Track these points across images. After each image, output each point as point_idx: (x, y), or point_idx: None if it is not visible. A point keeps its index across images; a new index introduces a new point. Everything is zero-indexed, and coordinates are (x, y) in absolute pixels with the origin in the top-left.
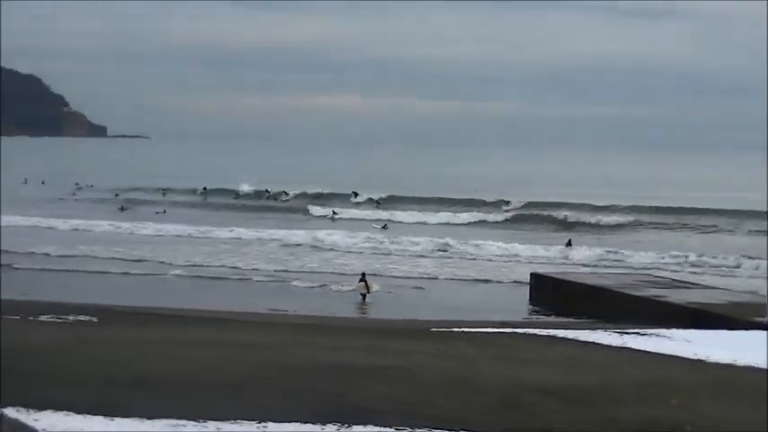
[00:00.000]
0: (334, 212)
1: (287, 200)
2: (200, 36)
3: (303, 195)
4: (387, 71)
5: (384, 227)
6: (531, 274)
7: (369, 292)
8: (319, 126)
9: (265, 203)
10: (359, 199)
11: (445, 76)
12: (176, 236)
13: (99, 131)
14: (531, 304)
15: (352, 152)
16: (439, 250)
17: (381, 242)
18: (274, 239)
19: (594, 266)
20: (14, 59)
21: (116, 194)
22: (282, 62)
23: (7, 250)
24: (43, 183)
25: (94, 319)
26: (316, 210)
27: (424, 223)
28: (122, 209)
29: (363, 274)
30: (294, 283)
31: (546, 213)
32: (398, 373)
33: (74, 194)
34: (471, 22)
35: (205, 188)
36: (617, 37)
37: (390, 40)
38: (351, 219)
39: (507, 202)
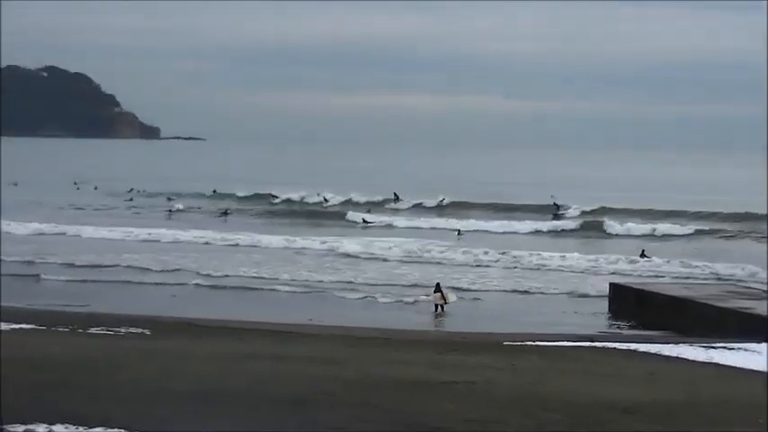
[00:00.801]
0: (364, 220)
1: (327, 206)
2: (262, 32)
3: (350, 202)
4: (459, 68)
5: (459, 233)
6: (610, 284)
7: (446, 303)
8: (389, 126)
9: (313, 209)
10: (401, 205)
11: (521, 73)
12: (227, 245)
13: (152, 133)
14: (609, 316)
15: (418, 154)
16: (505, 259)
17: (442, 251)
18: (330, 248)
19: (674, 277)
20: (60, 57)
21: (168, 198)
22: (351, 60)
23: (57, 261)
24: (96, 188)
25: (147, 332)
26: (369, 216)
27: (489, 231)
28: (170, 212)
29: (438, 285)
30: (356, 294)
31: (617, 220)
32: (466, 389)
33: (130, 199)
34: (547, 17)
35: (273, 196)
36: (702, 29)
37: (463, 36)
38: (397, 226)
39: (573, 209)
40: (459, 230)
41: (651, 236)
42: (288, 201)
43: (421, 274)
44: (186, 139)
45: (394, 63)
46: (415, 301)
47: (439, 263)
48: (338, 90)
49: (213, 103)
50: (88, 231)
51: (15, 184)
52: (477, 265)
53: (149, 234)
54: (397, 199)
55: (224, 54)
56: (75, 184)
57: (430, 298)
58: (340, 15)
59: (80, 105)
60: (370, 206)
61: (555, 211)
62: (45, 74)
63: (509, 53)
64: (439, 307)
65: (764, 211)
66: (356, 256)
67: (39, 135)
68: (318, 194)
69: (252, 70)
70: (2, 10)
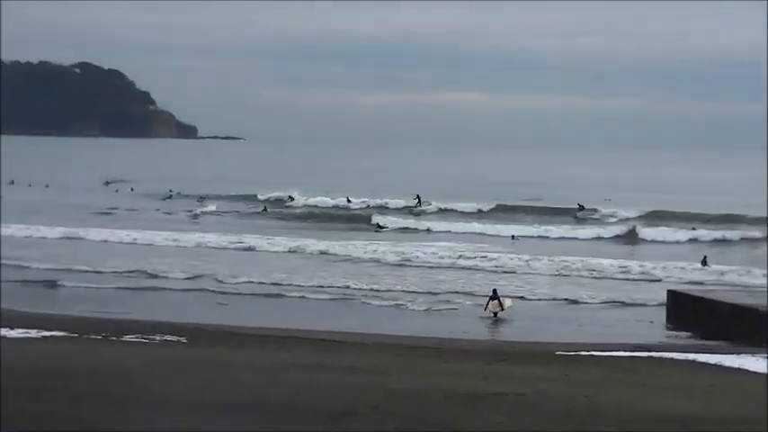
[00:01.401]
0: (378, 225)
1: (354, 210)
2: (305, 27)
3: (382, 207)
4: (516, 65)
5: (513, 238)
6: (669, 291)
7: (502, 309)
8: (443, 126)
9: (337, 213)
10: (425, 208)
11: (581, 71)
12: (268, 250)
13: (188, 132)
14: (667, 325)
15: (459, 154)
16: (554, 265)
17: (487, 256)
18: (368, 253)
19: (734, 284)
20: (90, 52)
21: (200, 198)
22: (404, 55)
23: (82, 269)
24: (132, 189)
25: (183, 340)
26: (383, 221)
27: (535, 236)
28: (195, 216)
29: (494, 291)
30: (401, 302)
31: (675, 225)
32: (516, 401)
33: (169, 197)
34: (609, 12)
35: (291, 198)
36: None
37: (524, 32)
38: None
39: (624, 217)
40: (513, 236)
41: (713, 241)
42: (308, 205)
43: (468, 280)
44: (224, 138)
45: (438, 60)
46: (459, 308)
47: (478, 269)
48: (381, 88)
49: (252, 102)
50: (120, 235)
51: (47, 186)
52: (527, 273)
53: (179, 239)
54: (419, 203)
55: (260, 51)
56: (108, 183)
57: (487, 306)
58: (381, 13)
59: (114, 103)
60: (392, 210)
61: (577, 213)
62: (77, 70)
63: (563, 50)
64: (496, 314)
65: None
66: (403, 263)
67: (70, 134)
68: (344, 198)
69: (290, 67)
70: (33, 5)
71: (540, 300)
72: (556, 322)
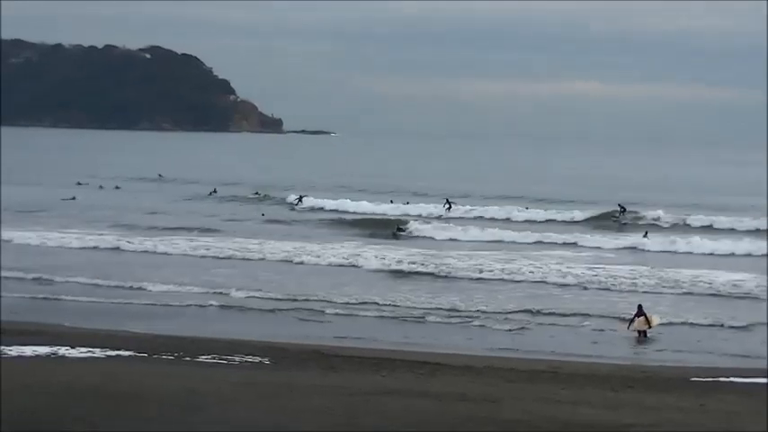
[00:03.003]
0: (398, 228)
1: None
2: (406, 11)
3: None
4: (639, 51)
5: (645, 235)
6: None
7: (650, 327)
8: (554, 119)
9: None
10: (454, 212)
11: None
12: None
13: (273, 125)
14: None
15: (583, 153)
16: (682, 280)
17: (600, 271)
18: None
19: None
20: (162, 35)
21: (298, 198)
22: (516, 40)
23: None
24: (215, 191)
25: (266, 361)
26: (403, 225)
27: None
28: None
29: (640, 307)
30: (512, 319)
31: None
32: None
33: (297, 202)
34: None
35: (300, 199)
36: None
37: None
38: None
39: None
40: (646, 232)
41: None
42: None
43: (586, 297)
44: (313, 133)
45: (558, 45)
46: (572, 327)
47: (586, 285)
48: (490, 77)
49: (344, 92)
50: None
51: (117, 188)
52: (655, 292)
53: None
54: (449, 206)
55: (355, 35)
56: (161, 176)
57: (631, 324)
58: None
59: (190, 92)
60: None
61: (616, 217)
62: (148, 55)
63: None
64: (643, 333)
65: None
66: (483, 277)
67: (140, 128)
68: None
69: (384, 54)
70: None
71: (671, 321)
72: (689, 343)
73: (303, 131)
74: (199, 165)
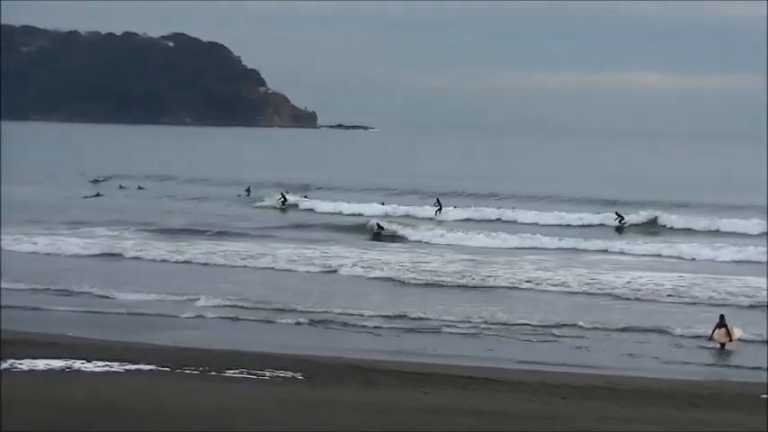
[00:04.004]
0: (378, 226)
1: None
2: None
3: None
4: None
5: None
6: None
7: (731, 340)
8: (606, 113)
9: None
10: (445, 216)
11: None
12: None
13: (307, 120)
14: None
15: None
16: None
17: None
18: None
19: None
20: (186, 21)
21: (281, 197)
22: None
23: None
24: (248, 193)
25: (299, 376)
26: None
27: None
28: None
29: (722, 318)
30: (566, 332)
31: None
32: None
33: (304, 195)
34: None
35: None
36: None
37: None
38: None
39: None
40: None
41: None
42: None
43: (639, 307)
44: (350, 128)
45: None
46: (621, 340)
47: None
48: (548, 66)
49: (383, 84)
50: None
51: (140, 188)
52: (716, 304)
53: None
54: (439, 208)
55: (393, 24)
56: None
57: (712, 335)
58: None
59: (217, 84)
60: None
61: (618, 224)
62: (171, 43)
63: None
64: (723, 345)
65: None
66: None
67: (159, 122)
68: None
69: (430, 42)
70: None
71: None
72: (756, 357)
73: (339, 126)
74: (230, 162)
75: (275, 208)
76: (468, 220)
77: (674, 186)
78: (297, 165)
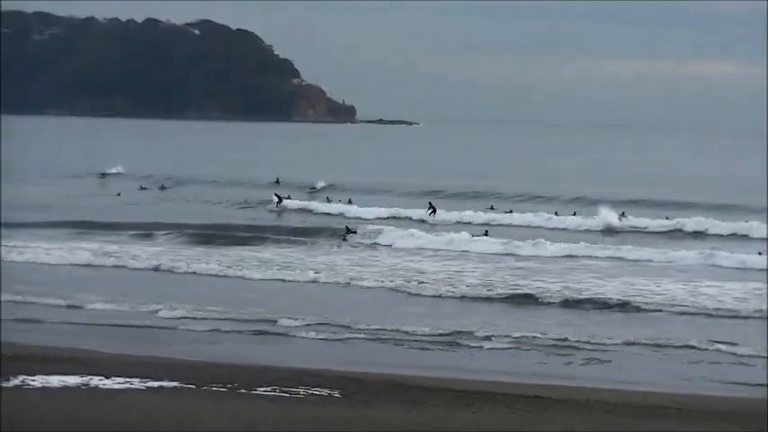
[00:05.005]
0: (348, 230)
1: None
2: None
3: None
4: None
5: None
6: None
7: None
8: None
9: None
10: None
11: None
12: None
13: (345, 114)
14: None
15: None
16: None
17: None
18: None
19: None
20: (213, 6)
21: (277, 198)
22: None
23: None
24: (287, 196)
25: (336, 394)
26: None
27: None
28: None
29: None
30: (596, 341)
31: None
32: None
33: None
34: None
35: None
36: None
37: None
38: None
39: None
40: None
41: None
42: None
43: (701, 320)
44: (391, 122)
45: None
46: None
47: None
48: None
49: (431, 75)
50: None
51: (162, 188)
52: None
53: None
54: (433, 211)
55: (437, 10)
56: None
57: None
58: None
59: (247, 75)
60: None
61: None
62: (196, 31)
63: None
64: None
65: None
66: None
67: (185, 117)
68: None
69: (480, 30)
70: None
71: None
72: None
73: (380, 121)
74: (262, 161)
75: (270, 211)
76: (458, 222)
77: None
78: (328, 163)
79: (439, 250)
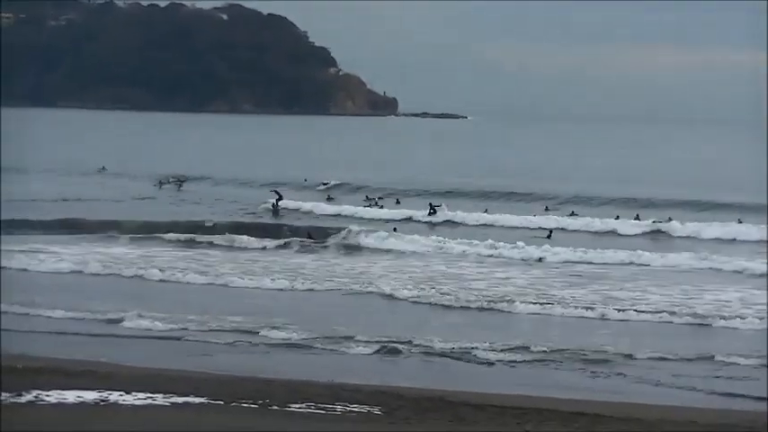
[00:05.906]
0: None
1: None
2: None
3: None
4: None
5: None
6: None
7: None
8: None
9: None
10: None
11: None
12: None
13: (386, 106)
14: None
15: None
16: None
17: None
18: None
19: None
20: None
21: (275, 199)
22: None
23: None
24: (330, 197)
25: (376, 411)
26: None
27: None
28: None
29: None
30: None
31: None
32: None
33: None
34: None
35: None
36: None
37: None
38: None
39: None
40: None
41: None
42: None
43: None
44: (437, 116)
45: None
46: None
47: None
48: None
49: (482, 65)
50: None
51: (180, 187)
52: None
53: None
54: (433, 211)
55: None
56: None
57: None
58: None
59: (280, 64)
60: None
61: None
62: (224, 16)
63: None
64: None
65: None
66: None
67: (211, 110)
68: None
69: (539, 16)
70: None
71: None
72: None
73: (425, 114)
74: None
75: (268, 210)
76: (447, 221)
77: None
78: (366, 161)
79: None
